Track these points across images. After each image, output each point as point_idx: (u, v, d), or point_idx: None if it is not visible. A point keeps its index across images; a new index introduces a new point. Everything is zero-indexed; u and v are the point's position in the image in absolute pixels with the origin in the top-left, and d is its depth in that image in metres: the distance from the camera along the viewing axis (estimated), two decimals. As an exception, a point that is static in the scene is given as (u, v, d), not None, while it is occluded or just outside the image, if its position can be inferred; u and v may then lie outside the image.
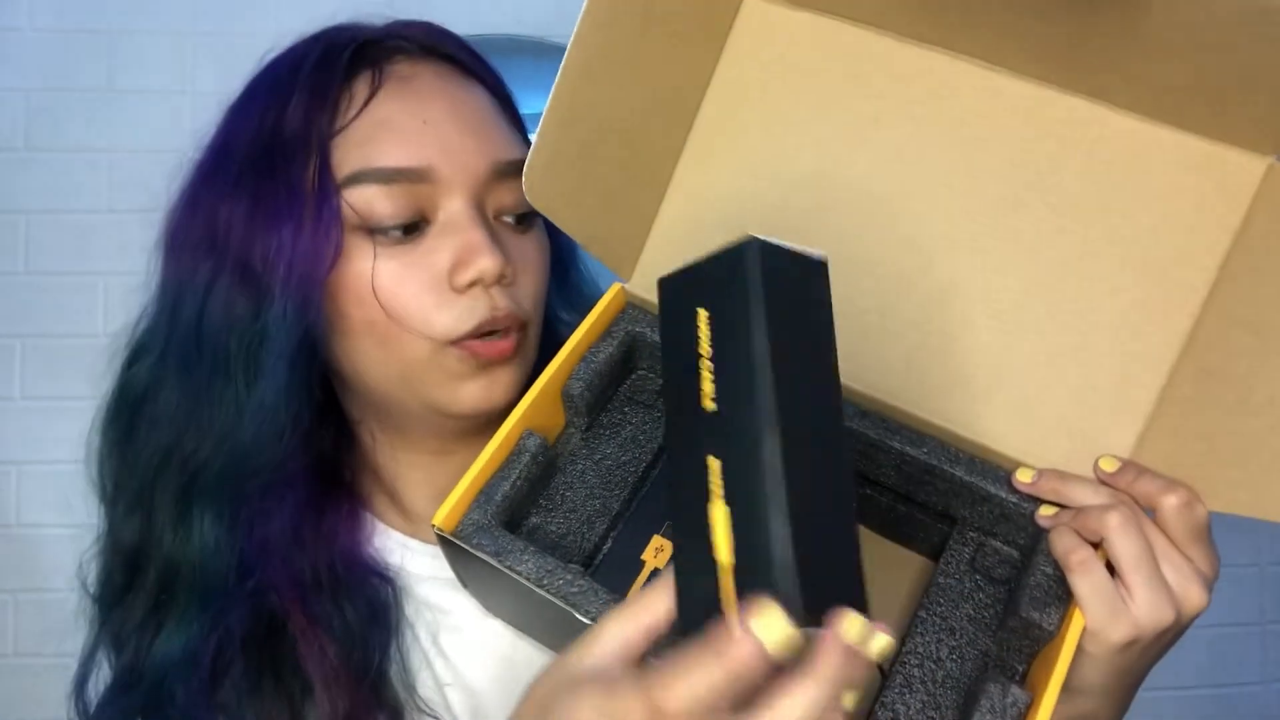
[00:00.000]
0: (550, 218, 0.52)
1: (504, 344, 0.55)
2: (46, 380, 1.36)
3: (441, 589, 0.60)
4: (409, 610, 0.59)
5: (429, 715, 0.55)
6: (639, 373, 0.59)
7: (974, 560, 0.51)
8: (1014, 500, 0.49)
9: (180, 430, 0.55)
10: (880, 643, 0.33)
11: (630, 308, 0.58)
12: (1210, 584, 0.45)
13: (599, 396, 0.56)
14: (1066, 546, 0.45)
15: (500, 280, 0.54)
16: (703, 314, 0.38)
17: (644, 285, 0.58)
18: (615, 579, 0.52)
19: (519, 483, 0.52)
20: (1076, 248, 0.49)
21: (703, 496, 0.35)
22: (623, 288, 0.58)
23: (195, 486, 0.55)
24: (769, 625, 0.32)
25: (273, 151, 0.54)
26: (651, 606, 0.37)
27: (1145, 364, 0.48)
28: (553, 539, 0.54)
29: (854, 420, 0.51)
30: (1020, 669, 0.46)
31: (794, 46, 0.54)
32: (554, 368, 0.54)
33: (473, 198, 0.55)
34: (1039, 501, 0.48)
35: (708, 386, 0.37)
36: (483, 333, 0.54)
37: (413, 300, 0.53)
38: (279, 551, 0.55)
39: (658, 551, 0.52)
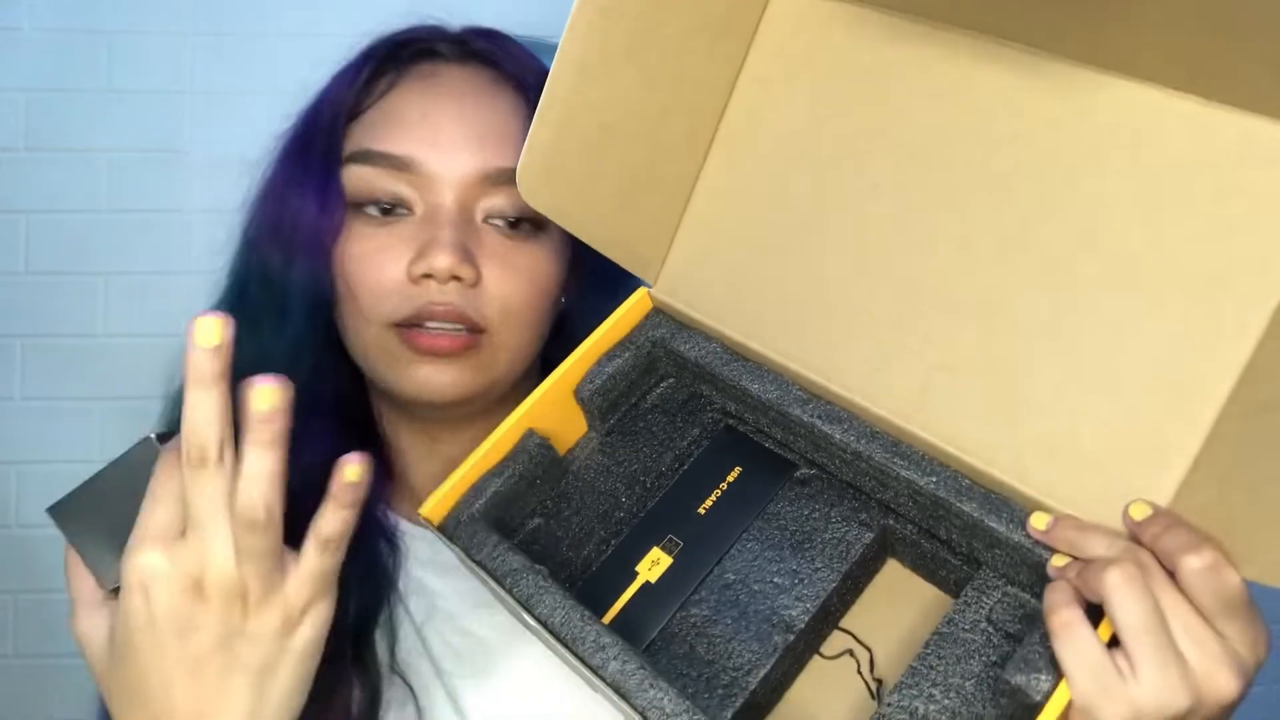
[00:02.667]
0: (555, 219, 0.52)
1: (444, 340, 0.56)
2: (46, 380, 1.36)
3: (436, 573, 0.60)
4: (404, 588, 0.59)
5: (403, 679, 0.56)
6: (668, 381, 0.58)
7: (992, 612, 0.45)
8: (1030, 545, 0.43)
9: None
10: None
11: (655, 313, 0.56)
12: (1248, 670, 0.37)
13: (614, 403, 0.56)
14: (1051, 605, 0.39)
15: (456, 279, 0.55)
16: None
17: (670, 290, 0.56)
18: (606, 587, 0.51)
19: (511, 480, 0.52)
20: (1116, 258, 0.42)
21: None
22: (648, 293, 0.57)
23: None
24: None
25: (311, 128, 0.60)
26: None
27: (1193, 395, 0.40)
28: (552, 541, 0.54)
29: (862, 442, 0.48)
30: None
31: (822, 38, 0.52)
32: (563, 370, 0.54)
33: (457, 197, 0.56)
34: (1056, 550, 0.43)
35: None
36: (421, 323, 0.55)
37: (370, 281, 0.56)
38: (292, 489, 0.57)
39: (653, 565, 0.51)
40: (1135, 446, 0.42)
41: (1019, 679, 0.40)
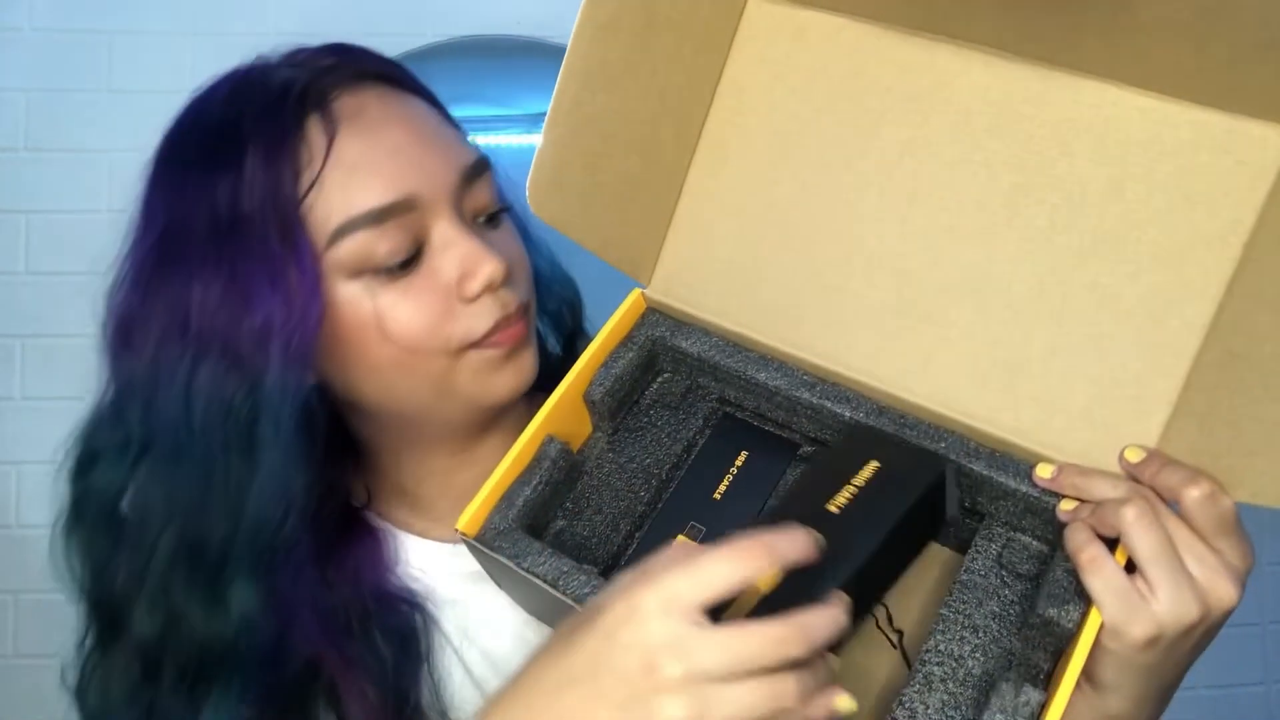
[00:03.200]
0: (560, 230, 0.53)
1: (517, 326, 0.56)
2: (46, 380, 1.36)
3: (462, 583, 0.61)
4: (434, 610, 0.60)
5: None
6: (664, 376, 0.60)
7: (1001, 556, 0.50)
8: (1035, 494, 0.48)
9: (186, 521, 0.53)
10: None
11: (650, 313, 0.58)
12: (1242, 578, 0.43)
13: (621, 402, 0.57)
14: (1077, 544, 0.44)
15: (506, 280, 0.55)
16: (873, 464, 0.48)
17: (663, 290, 0.58)
18: None
19: (540, 487, 0.53)
20: (1092, 234, 0.48)
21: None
22: (642, 293, 0.58)
23: (222, 566, 0.53)
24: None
25: (238, 225, 0.51)
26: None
27: (1168, 350, 0.46)
28: (578, 541, 0.55)
29: (871, 417, 0.51)
30: (1045, 668, 0.45)
31: (799, 45, 0.54)
32: (574, 374, 0.55)
33: (455, 210, 0.54)
34: (1062, 495, 0.47)
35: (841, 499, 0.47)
36: (497, 330, 0.55)
37: (430, 322, 0.53)
38: (306, 602, 0.55)
39: None
40: (1122, 398, 0.47)
41: (1051, 611, 0.44)
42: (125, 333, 0.55)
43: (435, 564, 0.61)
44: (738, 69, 0.56)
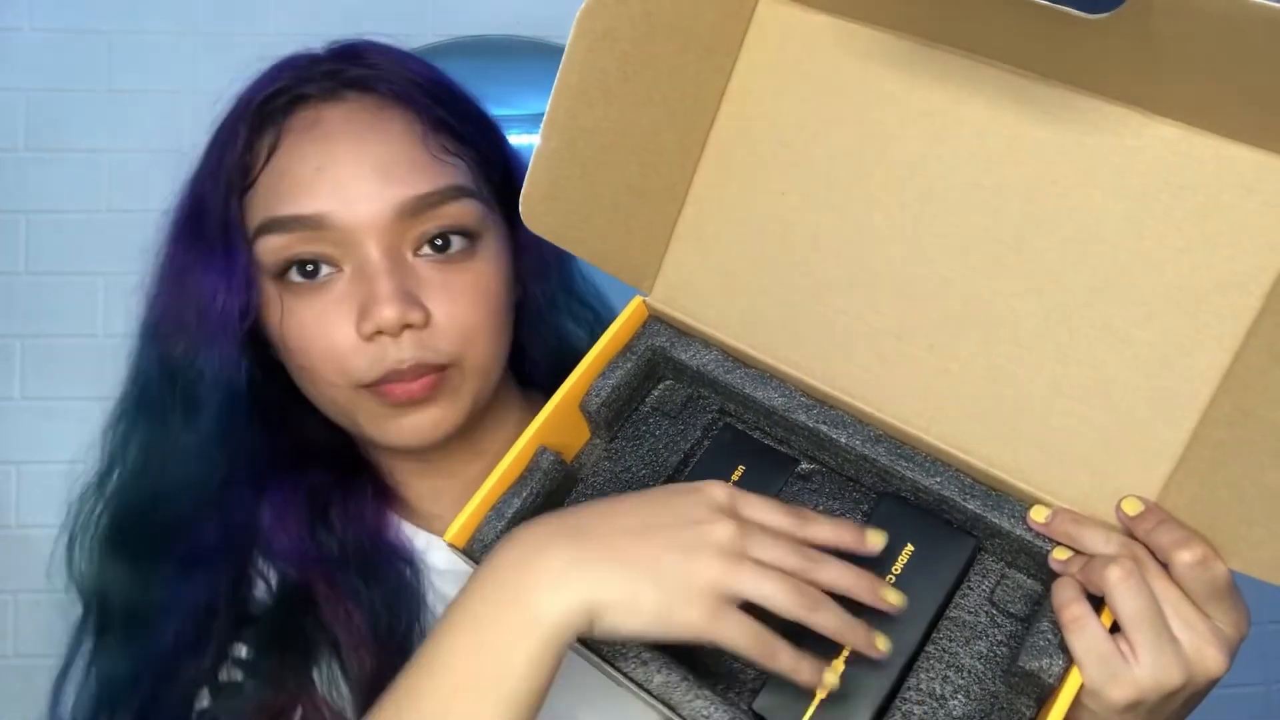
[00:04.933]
0: (553, 240, 0.52)
1: (413, 387, 0.54)
2: (46, 380, 1.36)
3: (456, 581, 0.61)
4: (431, 600, 0.60)
5: None
6: (666, 383, 0.59)
7: (993, 594, 0.48)
8: (1030, 538, 0.46)
9: (140, 468, 0.59)
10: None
11: (652, 321, 0.57)
12: (1232, 646, 0.42)
13: (618, 412, 0.56)
14: (1062, 600, 0.43)
15: (408, 328, 0.53)
16: (908, 549, 0.49)
17: (665, 299, 0.57)
18: None
19: (531, 499, 0.52)
20: (1104, 272, 0.45)
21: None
22: (644, 301, 0.57)
23: (155, 536, 0.58)
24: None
25: (199, 209, 0.57)
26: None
27: (1177, 400, 0.44)
28: None
29: (867, 446, 0.50)
30: (1029, 714, 0.44)
31: (811, 51, 0.52)
32: (569, 384, 0.54)
33: (381, 242, 0.53)
34: (1057, 542, 0.46)
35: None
36: (390, 380, 0.54)
37: (325, 348, 0.54)
38: (296, 529, 0.57)
39: None
40: (1125, 447, 0.45)
41: (1033, 665, 0.43)
42: (148, 283, 0.61)
43: (431, 557, 0.61)
44: (746, 73, 0.55)
